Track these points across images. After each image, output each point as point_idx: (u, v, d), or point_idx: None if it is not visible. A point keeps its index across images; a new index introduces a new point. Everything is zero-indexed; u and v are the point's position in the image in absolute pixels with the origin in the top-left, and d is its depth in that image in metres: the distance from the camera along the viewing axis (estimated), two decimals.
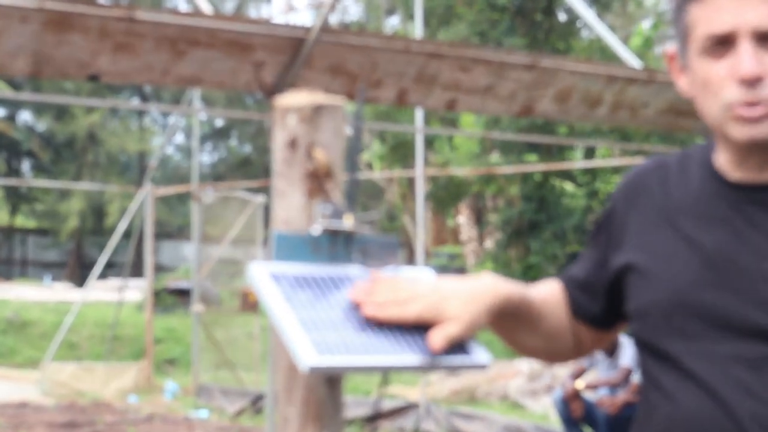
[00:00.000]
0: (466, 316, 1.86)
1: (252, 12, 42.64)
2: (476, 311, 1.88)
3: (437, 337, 1.85)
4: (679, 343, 1.79)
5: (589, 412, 9.76)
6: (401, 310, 1.92)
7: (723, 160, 1.85)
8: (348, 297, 2.14)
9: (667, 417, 1.82)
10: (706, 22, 1.74)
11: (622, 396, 9.51)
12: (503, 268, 25.30)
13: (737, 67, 1.70)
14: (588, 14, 12.34)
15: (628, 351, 9.77)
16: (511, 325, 2.02)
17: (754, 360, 1.71)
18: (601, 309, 2.04)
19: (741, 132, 1.72)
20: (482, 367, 2.17)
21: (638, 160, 20.65)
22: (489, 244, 27.56)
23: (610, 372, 9.91)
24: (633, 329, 1.94)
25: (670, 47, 1.89)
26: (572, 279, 2.10)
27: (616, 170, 24.10)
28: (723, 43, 1.73)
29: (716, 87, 1.74)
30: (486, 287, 1.90)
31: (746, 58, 1.68)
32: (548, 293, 2.10)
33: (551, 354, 2.17)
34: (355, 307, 2.15)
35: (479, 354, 2.17)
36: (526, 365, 14.83)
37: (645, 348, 1.89)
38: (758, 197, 1.79)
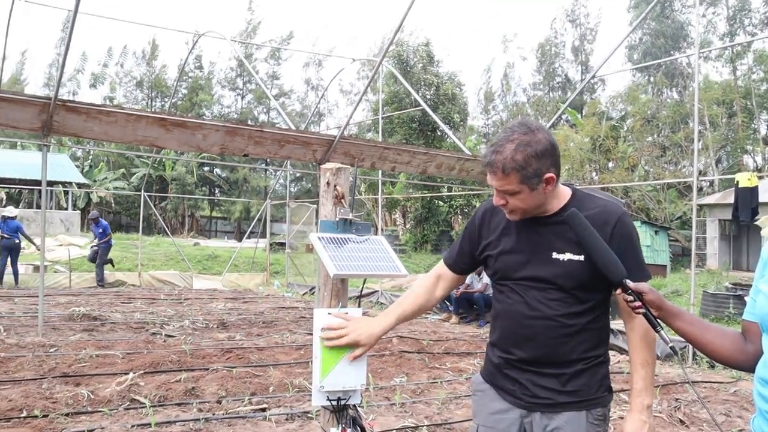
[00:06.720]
0: (369, 342, 1.91)
1: (313, 128, 42.22)
2: (373, 337, 1.91)
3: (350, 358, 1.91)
4: (511, 282, 1.80)
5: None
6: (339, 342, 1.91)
7: None
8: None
9: (501, 309, 1.84)
10: (490, 181, 1.75)
11: (462, 288, 9.41)
12: (414, 237, 25.23)
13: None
14: (450, 132, 12.35)
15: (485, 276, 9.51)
16: (403, 321, 1.99)
17: (541, 289, 1.74)
18: (467, 267, 1.98)
19: (509, 216, 1.80)
20: (404, 276, 2.18)
21: (473, 194, 20.58)
22: (408, 226, 27.43)
23: (473, 280, 9.59)
24: (491, 276, 1.90)
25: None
26: (452, 258, 2.00)
27: (461, 197, 24.19)
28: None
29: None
30: (374, 325, 1.92)
31: (496, 198, 1.75)
32: (419, 288, 2.03)
33: (435, 302, 2.05)
34: (358, 249, 2.17)
35: (401, 269, 2.18)
36: (423, 274, 14.70)
37: (497, 283, 1.87)
38: (538, 221, 1.79)
